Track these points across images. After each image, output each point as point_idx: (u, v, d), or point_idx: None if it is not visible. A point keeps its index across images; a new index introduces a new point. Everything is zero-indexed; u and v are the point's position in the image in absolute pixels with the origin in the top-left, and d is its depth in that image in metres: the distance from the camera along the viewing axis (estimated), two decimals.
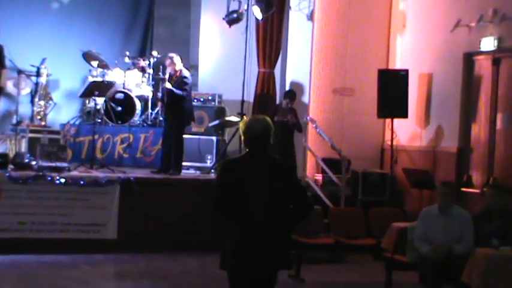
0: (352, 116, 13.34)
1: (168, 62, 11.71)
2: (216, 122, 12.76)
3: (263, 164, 5.04)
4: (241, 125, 5.32)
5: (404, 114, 12.34)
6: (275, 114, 12.05)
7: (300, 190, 5.19)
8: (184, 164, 11.89)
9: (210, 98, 13.09)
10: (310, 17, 13.16)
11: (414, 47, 13.01)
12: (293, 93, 12.51)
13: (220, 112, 13.05)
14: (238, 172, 5.04)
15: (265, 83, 12.95)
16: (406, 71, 12.41)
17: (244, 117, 12.29)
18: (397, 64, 13.32)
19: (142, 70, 13.46)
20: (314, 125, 12.71)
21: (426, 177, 11.48)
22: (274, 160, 5.14)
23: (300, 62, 13.20)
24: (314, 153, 12.59)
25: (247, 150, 5.12)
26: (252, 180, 4.99)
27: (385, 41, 13.58)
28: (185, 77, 11.49)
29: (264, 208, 4.97)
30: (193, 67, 13.76)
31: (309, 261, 9.70)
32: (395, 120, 12.60)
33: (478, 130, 11.61)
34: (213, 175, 11.51)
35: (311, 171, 12.56)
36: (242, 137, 5.10)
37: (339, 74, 13.31)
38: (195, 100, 12.88)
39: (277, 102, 13.19)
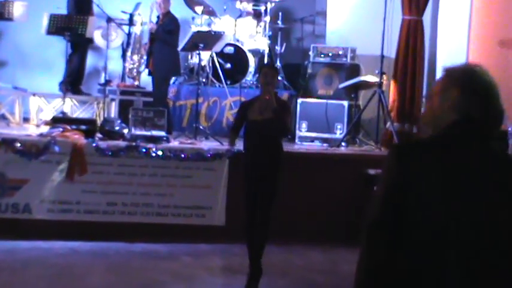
0: None
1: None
2: (349, 82, 11.67)
3: (480, 161, 3.05)
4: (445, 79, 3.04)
5: None
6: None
7: None
8: (307, 134, 11.63)
9: (340, 53, 12.20)
10: None
11: None
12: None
13: (353, 70, 12.10)
14: (431, 170, 3.06)
15: (411, 33, 11.64)
16: None
17: (384, 77, 11.32)
18: None
19: (258, 18, 12.74)
20: None
21: None
22: (501, 157, 3.16)
23: (457, 7, 11.97)
24: None
25: (445, 131, 3.10)
26: (457, 191, 3.01)
27: None
28: (175, 19, 11.47)
29: (479, 243, 3.02)
30: (320, 14, 13.14)
31: None
32: None
33: None
34: (343, 149, 10.79)
35: None
36: (441, 106, 3.12)
37: (506, 22, 11.85)
38: (322, 55, 12.39)
39: (426, 61, 11.84)
